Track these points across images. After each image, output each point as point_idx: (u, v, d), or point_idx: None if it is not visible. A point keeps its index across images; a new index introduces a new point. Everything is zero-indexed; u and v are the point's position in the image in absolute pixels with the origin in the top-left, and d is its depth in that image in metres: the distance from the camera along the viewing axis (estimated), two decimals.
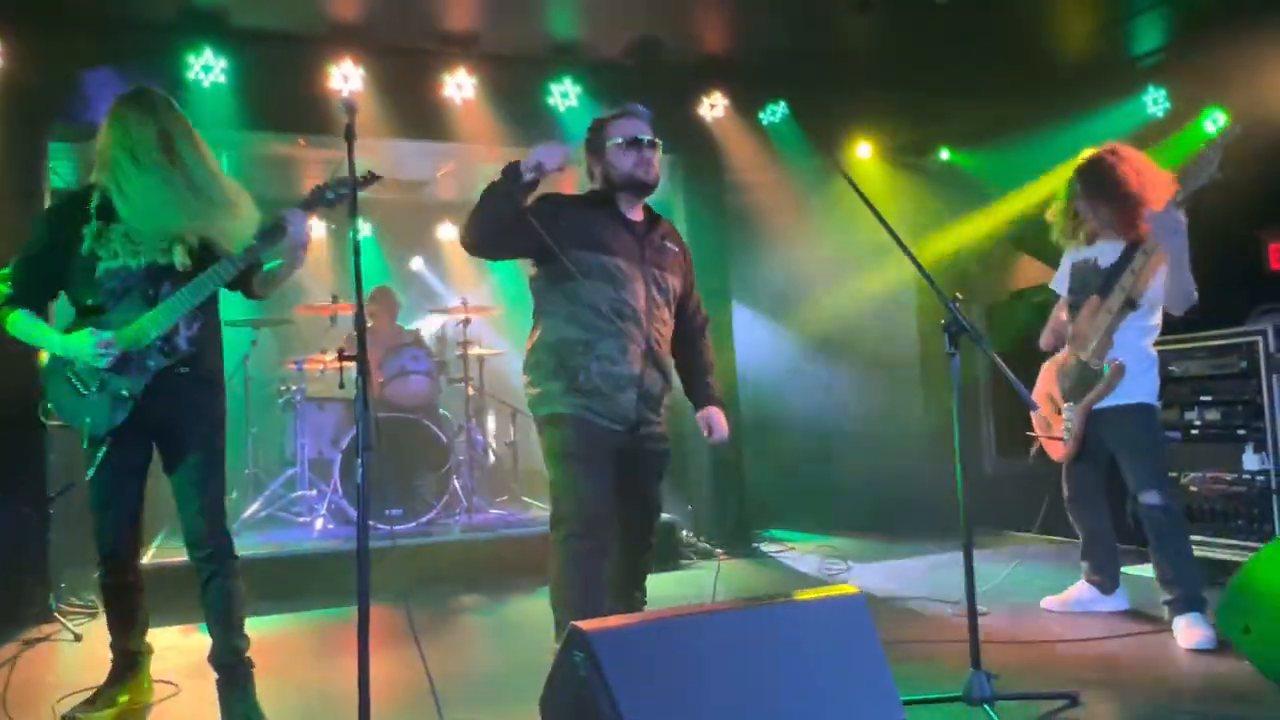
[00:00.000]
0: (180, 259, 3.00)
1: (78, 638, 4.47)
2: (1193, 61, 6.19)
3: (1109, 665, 3.45)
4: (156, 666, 3.61)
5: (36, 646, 4.39)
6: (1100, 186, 3.88)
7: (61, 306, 3.16)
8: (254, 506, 6.24)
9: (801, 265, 7.11)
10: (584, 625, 2.21)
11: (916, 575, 5.35)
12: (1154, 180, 3.80)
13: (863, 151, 6.65)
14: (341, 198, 3.04)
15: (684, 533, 6.25)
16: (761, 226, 6.84)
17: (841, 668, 2.33)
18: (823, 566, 5.72)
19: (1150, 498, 3.78)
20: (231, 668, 3.10)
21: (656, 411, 3.15)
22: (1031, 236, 6.81)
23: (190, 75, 5.17)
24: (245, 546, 5.05)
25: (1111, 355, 3.84)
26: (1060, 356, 4.10)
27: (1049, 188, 6.67)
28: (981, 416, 7.25)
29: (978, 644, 2.90)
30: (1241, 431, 4.55)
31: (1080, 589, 4.25)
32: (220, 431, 3.16)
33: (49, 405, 3.03)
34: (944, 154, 6.86)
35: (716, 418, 3.24)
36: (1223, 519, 4.60)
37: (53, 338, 2.97)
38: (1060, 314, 4.17)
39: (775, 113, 6.37)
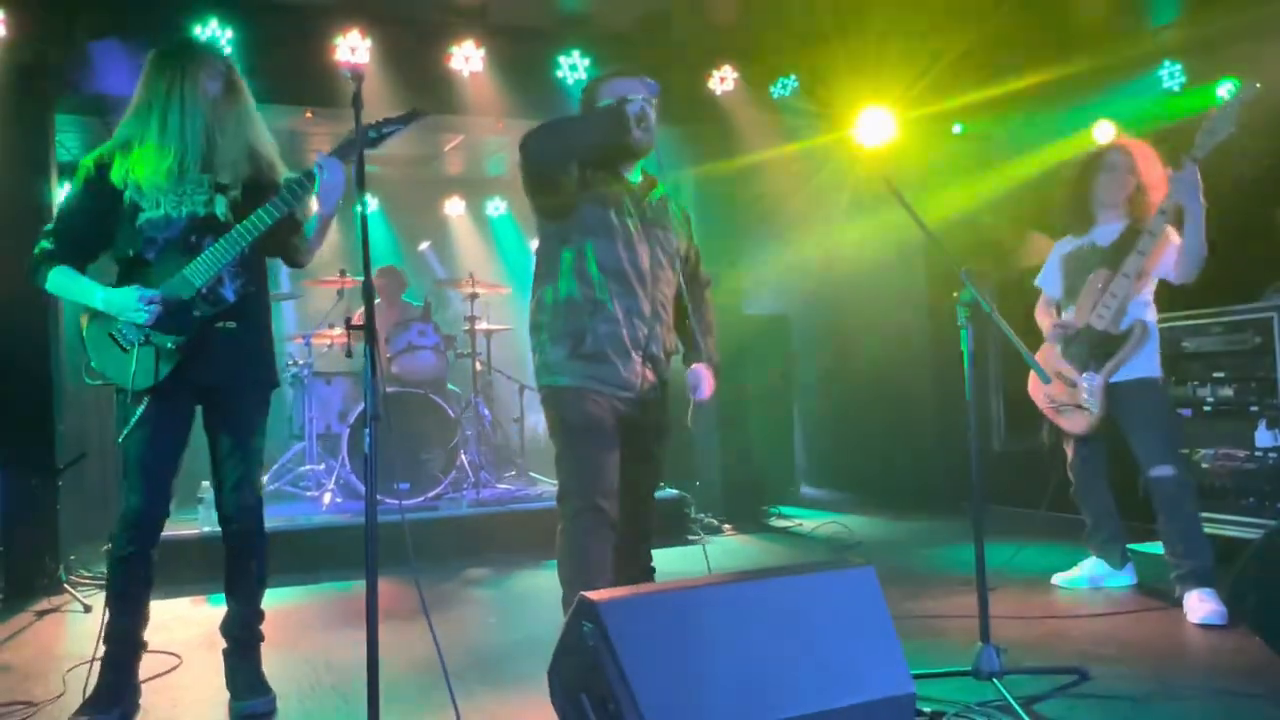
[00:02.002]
0: (223, 210, 2.95)
1: (87, 609, 4.49)
2: (1209, 34, 6.09)
3: (1119, 641, 3.44)
4: (161, 637, 3.61)
5: (47, 618, 4.42)
6: (1104, 166, 4.01)
7: (99, 267, 3.08)
8: (262, 480, 6.24)
9: (811, 238, 7.06)
10: (592, 595, 2.21)
11: (927, 551, 5.33)
12: (1158, 177, 3.92)
13: (876, 125, 6.56)
14: (383, 136, 2.98)
15: (691, 509, 6.24)
16: (772, 200, 6.79)
17: (852, 639, 2.32)
18: (832, 542, 5.72)
19: (1162, 470, 3.79)
20: (243, 640, 3.10)
21: (662, 376, 3.12)
22: (1044, 213, 6.77)
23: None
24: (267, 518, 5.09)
25: (1130, 316, 3.87)
26: (1072, 326, 4.06)
27: (1061, 158, 6.67)
28: (991, 393, 7.22)
29: (987, 618, 2.88)
30: (1255, 408, 4.50)
31: (1090, 565, 4.27)
32: (268, 397, 3.11)
33: (92, 364, 2.91)
34: (957, 128, 6.79)
35: (705, 377, 3.17)
36: (1235, 496, 4.57)
37: (94, 293, 2.87)
38: (1045, 318, 4.24)
39: (786, 87, 6.32)
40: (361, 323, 2.31)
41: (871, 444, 7.17)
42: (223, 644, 3.12)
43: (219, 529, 3.14)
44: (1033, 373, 4.05)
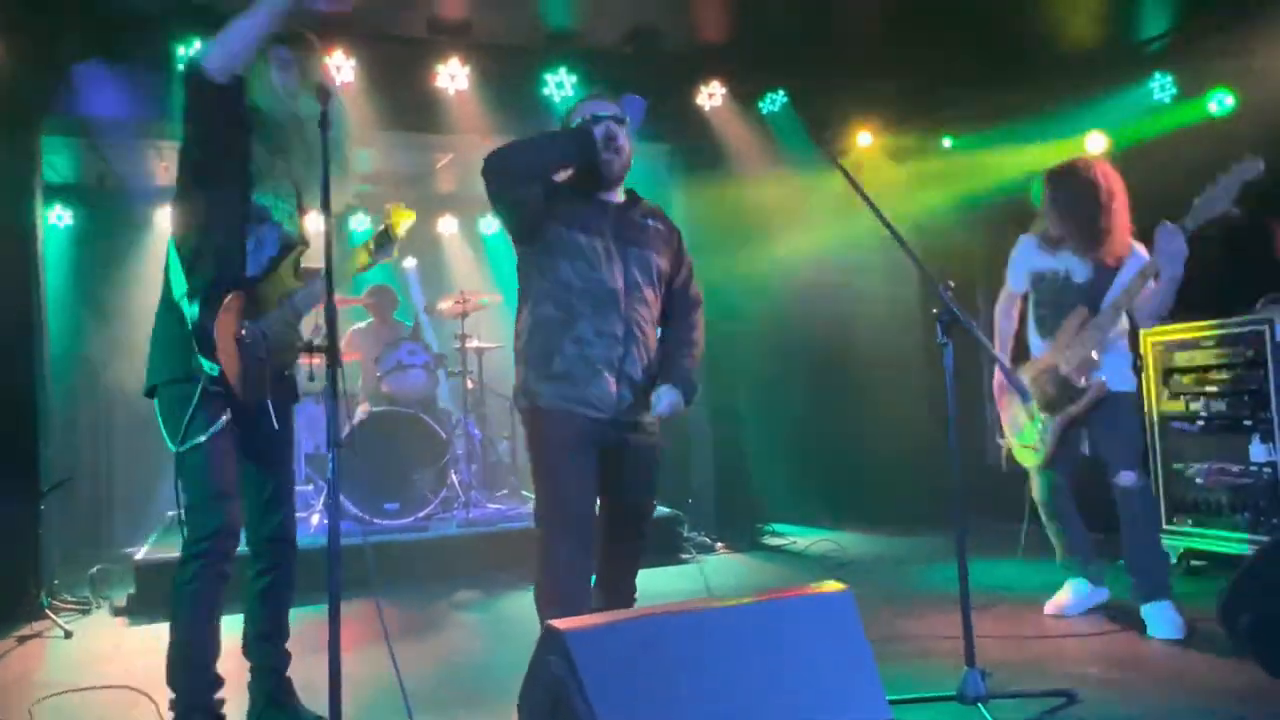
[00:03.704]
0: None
1: (68, 634, 4.45)
2: (1200, 46, 6.06)
3: (1112, 661, 3.38)
4: (119, 668, 3.55)
5: (27, 644, 4.37)
6: (1071, 196, 3.87)
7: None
8: None
9: (802, 254, 7.01)
10: (559, 624, 2.16)
11: (920, 569, 5.27)
12: (1124, 204, 3.86)
13: (863, 140, 6.55)
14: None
15: (684, 527, 6.19)
16: (761, 216, 6.75)
17: (826, 666, 2.27)
18: (824, 561, 5.65)
19: (1128, 479, 3.80)
20: (282, 674, 3.02)
21: (643, 399, 3.04)
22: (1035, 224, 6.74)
23: (181, 68, 5.11)
24: (242, 542, 5.04)
25: (1095, 371, 3.83)
26: (1042, 361, 3.99)
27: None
28: (986, 406, 7.16)
29: (972, 641, 2.83)
30: (1248, 422, 4.45)
31: (1072, 589, 4.13)
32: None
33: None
34: (946, 142, 6.76)
35: (665, 396, 2.99)
36: (1229, 511, 4.51)
37: None
38: (1008, 319, 4.20)
39: (774, 102, 6.29)
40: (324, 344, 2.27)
41: (868, 458, 7.10)
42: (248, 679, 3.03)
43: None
44: (995, 383, 4.17)
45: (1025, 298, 4.17)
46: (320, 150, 2.74)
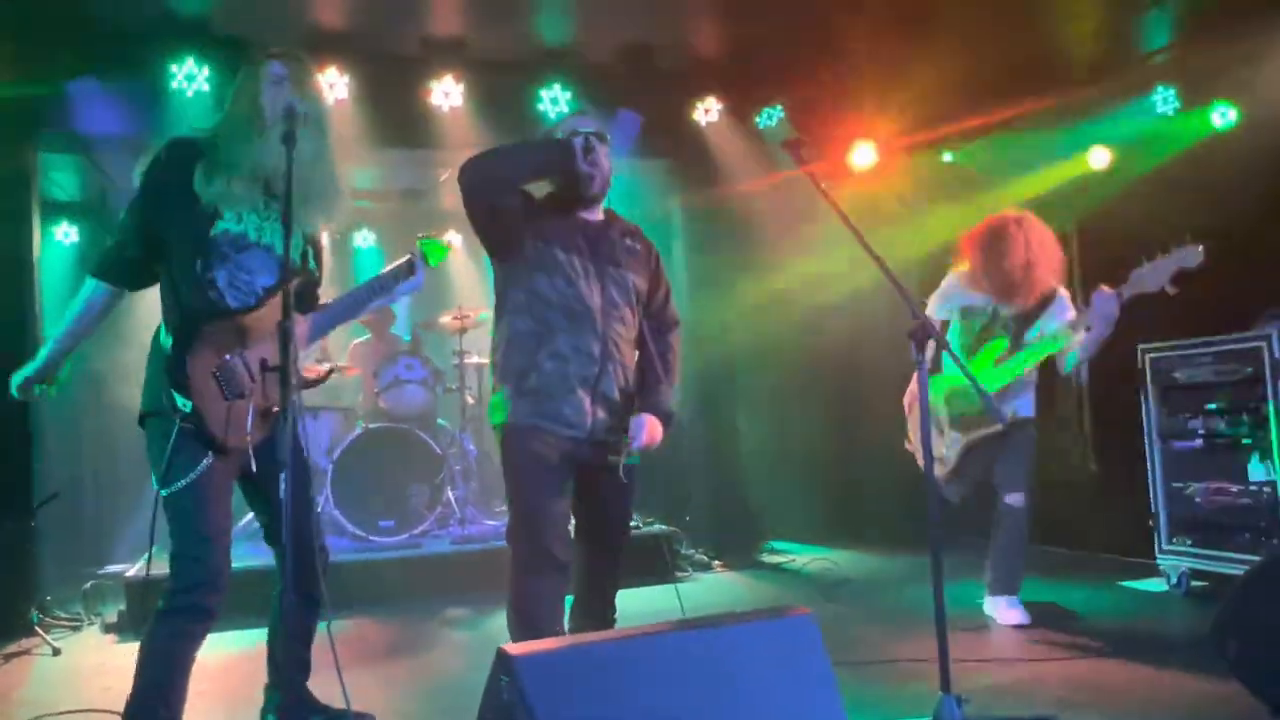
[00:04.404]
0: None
1: (56, 652, 4.43)
2: (1203, 58, 5.99)
3: (1097, 686, 3.30)
4: (102, 688, 3.53)
5: (14, 661, 4.36)
6: (992, 254, 4.16)
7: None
8: (246, 517, 6.20)
9: (803, 271, 6.97)
10: (510, 648, 2.12)
11: (915, 589, 5.19)
12: (1048, 256, 4.16)
13: (862, 155, 6.50)
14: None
15: (682, 545, 6.13)
16: (761, 232, 6.71)
17: (786, 690, 2.22)
18: (818, 580, 5.59)
19: (1016, 500, 4.18)
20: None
21: (619, 419, 3.01)
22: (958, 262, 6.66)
23: (174, 84, 5.16)
24: (238, 559, 5.01)
25: (1007, 402, 4.14)
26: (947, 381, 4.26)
27: (1056, 185, 6.57)
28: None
29: (947, 665, 2.76)
30: (1248, 440, 4.37)
31: (997, 604, 4.30)
32: None
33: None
34: (946, 156, 6.70)
35: (645, 424, 2.97)
36: (1228, 532, 4.42)
37: None
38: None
39: (771, 117, 6.27)
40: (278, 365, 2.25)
41: (867, 476, 7.03)
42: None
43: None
44: (908, 394, 4.44)
45: (944, 324, 4.44)
46: (311, 168, 2.74)
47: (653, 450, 3.02)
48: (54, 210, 7.09)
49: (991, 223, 4.26)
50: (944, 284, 4.42)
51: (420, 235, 3.10)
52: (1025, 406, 4.20)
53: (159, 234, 2.71)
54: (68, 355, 2.81)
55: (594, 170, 3.01)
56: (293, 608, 2.75)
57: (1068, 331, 4.02)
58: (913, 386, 4.37)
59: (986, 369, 4.15)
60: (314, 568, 2.83)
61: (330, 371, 3.33)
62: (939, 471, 4.33)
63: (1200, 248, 3.78)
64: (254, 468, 2.61)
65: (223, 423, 2.60)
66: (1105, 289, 3.89)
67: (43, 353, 2.79)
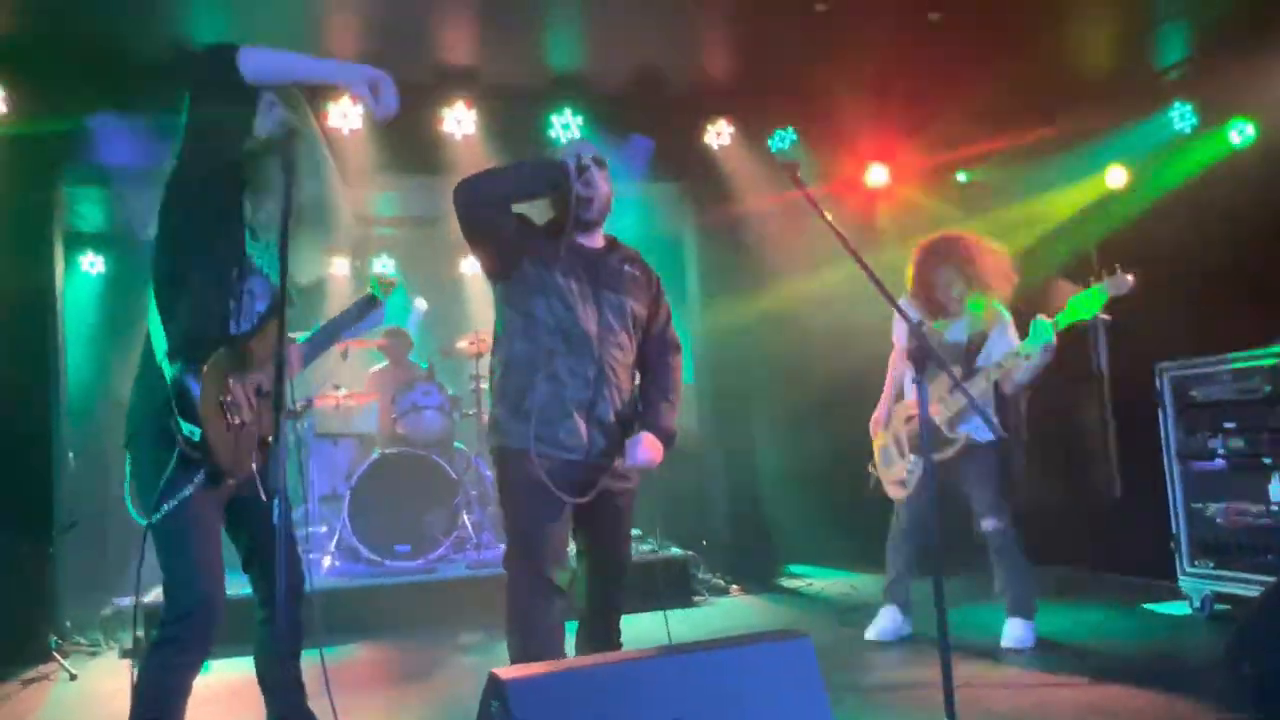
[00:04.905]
0: None
1: (73, 677, 4.48)
2: (1219, 73, 5.94)
3: (1106, 711, 3.23)
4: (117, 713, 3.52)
5: (31, 686, 4.41)
6: (921, 273, 4.36)
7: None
8: None
9: (819, 291, 6.95)
10: (501, 672, 2.12)
11: (931, 613, 5.12)
12: (996, 269, 4.27)
13: (877, 175, 6.50)
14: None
15: (699, 569, 6.10)
16: (776, 253, 6.71)
17: (779, 716, 2.19)
18: (837, 604, 5.53)
19: (990, 525, 4.27)
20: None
21: (615, 443, 3.01)
22: (1068, 257, 6.61)
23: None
24: (241, 585, 5.04)
25: (962, 425, 4.22)
26: (909, 405, 4.39)
27: (1075, 206, 6.52)
28: (1011, 443, 6.99)
29: (951, 690, 2.73)
30: (1268, 460, 4.28)
31: (890, 614, 4.51)
32: None
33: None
34: (960, 176, 6.68)
35: (641, 443, 2.95)
36: (1250, 554, 4.33)
37: None
38: (899, 366, 4.61)
39: (784, 139, 6.28)
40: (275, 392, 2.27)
41: (887, 499, 6.96)
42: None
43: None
44: (874, 418, 4.60)
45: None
46: (305, 196, 2.76)
47: (654, 471, 3.01)
48: (80, 241, 7.22)
49: (924, 243, 4.40)
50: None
51: (375, 273, 3.20)
52: (983, 430, 4.15)
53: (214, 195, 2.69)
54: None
55: (588, 191, 3.01)
56: (284, 632, 2.70)
57: (1013, 357, 4.09)
58: (877, 413, 4.60)
59: (951, 402, 4.25)
60: (298, 587, 2.83)
61: (309, 404, 3.39)
62: (899, 493, 4.45)
63: (1130, 277, 3.90)
64: (263, 495, 2.56)
65: (230, 451, 2.57)
66: (1041, 318, 3.99)
67: None
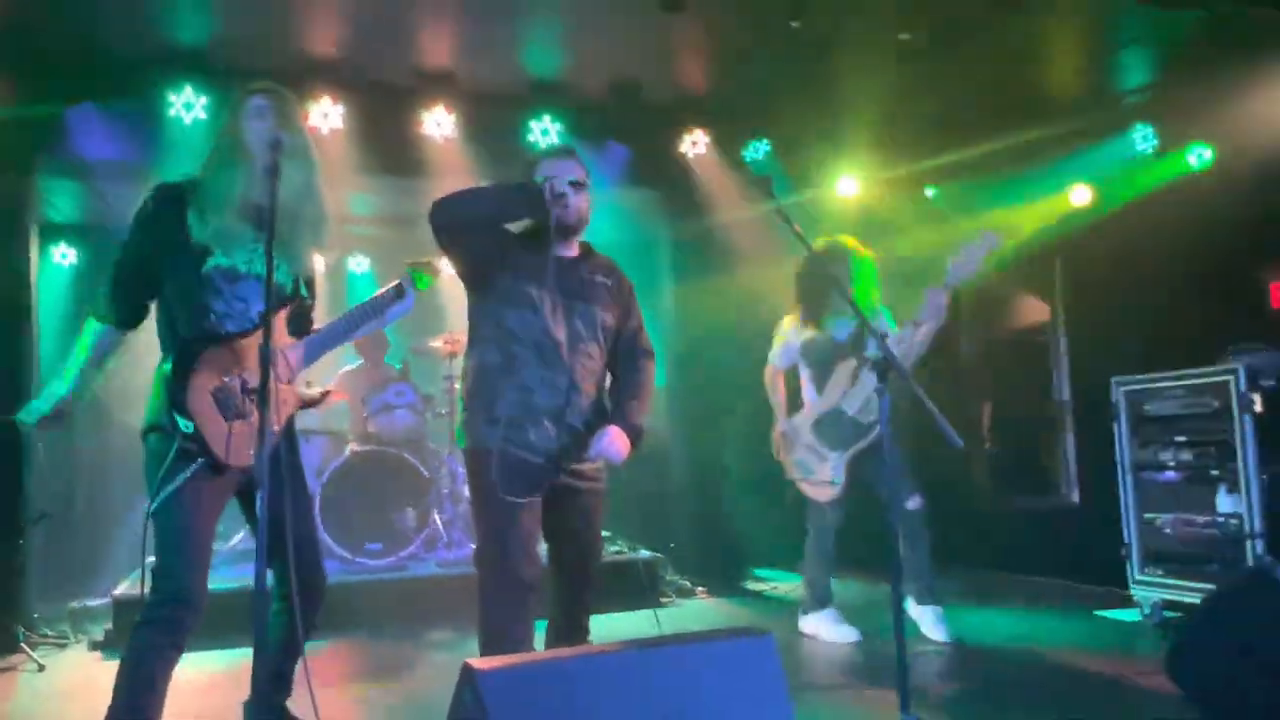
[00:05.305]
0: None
1: (41, 668, 4.49)
2: (1180, 97, 6.13)
3: (1058, 708, 3.37)
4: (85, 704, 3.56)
5: (1, 677, 4.41)
6: (804, 281, 4.74)
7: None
8: (236, 539, 6.27)
9: (788, 301, 7.08)
10: (474, 663, 2.19)
11: (890, 614, 5.25)
12: (871, 273, 4.65)
13: (847, 187, 6.63)
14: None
15: (666, 571, 6.19)
16: (748, 261, 6.82)
17: (741, 709, 2.29)
18: (802, 605, 5.63)
19: (916, 503, 4.51)
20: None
21: (585, 448, 3.09)
22: (1032, 273, 6.78)
23: (171, 113, 5.28)
24: (221, 580, 5.09)
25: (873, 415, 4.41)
26: (821, 406, 4.67)
27: (1039, 221, 6.69)
28: (973, 453, 7.16)
29: (906, 686, 2.83)
30: (1215, 472, 4.45)
31: (830, 616, 4.74)
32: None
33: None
34: (929, 191, 6.83)
35: (609, 433, 3.01)
36: (1197, 563, 4.49)
37: None
38: (778, 393, 4.88)
39: (758, 150, 6.39)
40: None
41: (852, 502, 7.09)
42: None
43: None
44: (776, 436, 4.79)
45: (785, 373, 4.91)
46: (298, 200, 2.84)
47: (624, 474, 3.10)
48: (53, 232, 7.19)
49: (813, 249, 4.56)
50: (785, 333, 4.84)
51: (408, 261, 3.21)
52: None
53: (154, 274, 2.81)
54: (79, 395, 2.86)
55: (563, 213, 3.09)
56: (292, 624, 2.81)
57: (912, 330, 4.28)
58: (779, 431, 4.82)
59: (857, 392, 4.50)
60: (318, 588, 2.93)
61: (325, 394, 3.41)
62: (829, 494, 4.65)
63: (998, 234, 4.17)
64: (257, 479, 2.62)
65: (224, 442, 2.68)
66: (933, 286, 4.22)
67: (57, 391, 2.79)
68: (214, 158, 2.86)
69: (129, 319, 2.87)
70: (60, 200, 7.07)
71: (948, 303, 4.23)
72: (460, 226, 2.99)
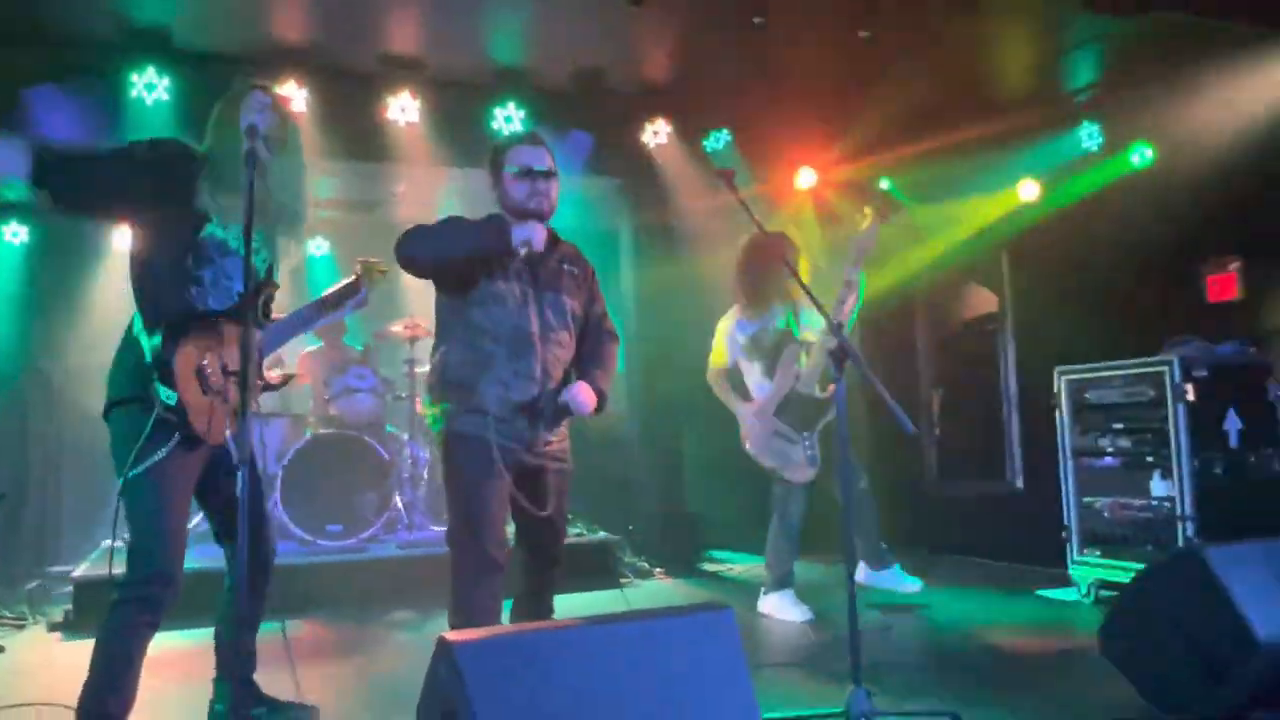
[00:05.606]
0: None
1: (1, 649, 4.49)
2: (1125, 97, 6.35)
3: (997, 683, 3.54)
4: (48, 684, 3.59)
5: None
6: (743, 271, 4.89)
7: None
8: (193, 521, 6.26)
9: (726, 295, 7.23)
10: (450, 636, 2.29)
11: (843, 594, 5.41)
12: (802, 264, 4.79)
13: (805, 179, 6.76)
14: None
15: (625, 552, 6.31)
16: (708, 249, 6.94)
17: (703, 683, 2.41)
18: (756, 586, 5.78)
19: (864, 482, 4.97)
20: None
21: (554, 432, 3.21)
22: (981, 265, 6.98)
23: (133, 94, 5.25)
24: (188, 559, 5.09)
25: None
26: (777, 394, 4.78)
27: (988, 215, 6.89)
28: (924, 438, 7.37)
29: (859, 660, 2.98)
30: (1150, 458, 4.67)
31: (787, 597, 4.89)
32: None
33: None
34: (884, 183, 6.99)
35: (574, 388, 3.18)
36: (1131, 544, 4.71)
37: None
38: (726, 391, 4.96)
39: (718, 140, 6.50)
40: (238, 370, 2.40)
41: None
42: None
43: None
44: (744, 433, 4.88)
45: (729, 370, 4.98)
46: (286, 190, 2.92)
47: (587, 460, 3.22)
48: (3, 210, 7.10)
49: (754, 240, 4.81)
50: (727, 330, 4.95)
51: (361, 260, 3.27)
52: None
53: (141, 185, 2.79)
54: None
55: (538, 202, 3.19)
56: (246, 599, 2.87)
57: (839, 305, 4.52)
58: (745, 426, 4.87)
59: (809, 373, 4.72)
60: (267, 562, 3.00)
61: (288, 378, 3.47)
62: (809, 473, 4.78)
63: (871, 212, 4.56)
64: (235, 460, 2.60)
65: (205, 417, 2.74)
66: (848, 265, 4.54)
67: None
68: (224, 144, 2.87)
69: (72, 191, 2.76)
70: (14, 180, 6.98)
71: (858, 279, 4.53)
72: (427, 263, 3.11)
